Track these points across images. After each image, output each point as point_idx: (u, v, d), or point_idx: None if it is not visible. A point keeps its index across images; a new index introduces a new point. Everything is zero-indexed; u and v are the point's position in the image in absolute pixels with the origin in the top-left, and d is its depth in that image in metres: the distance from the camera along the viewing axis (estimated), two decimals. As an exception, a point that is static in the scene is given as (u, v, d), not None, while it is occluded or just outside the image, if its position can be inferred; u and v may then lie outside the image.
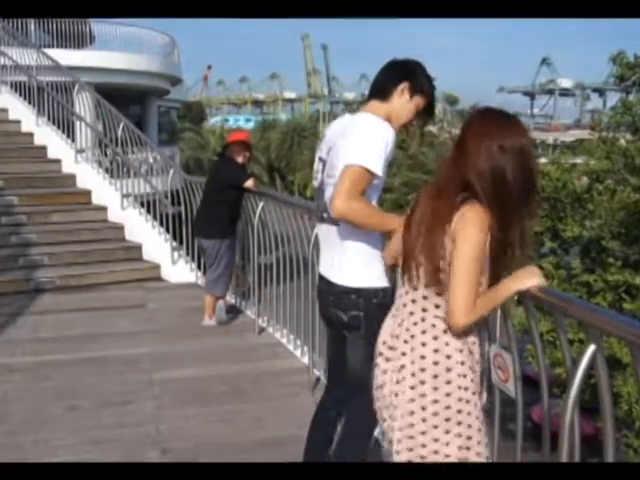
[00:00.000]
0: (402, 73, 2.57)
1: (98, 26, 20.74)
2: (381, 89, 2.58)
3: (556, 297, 2.08)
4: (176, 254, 7.72)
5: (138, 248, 8.02)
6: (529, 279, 1.99)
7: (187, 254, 7.64)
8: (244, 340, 5.47)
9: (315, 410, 2.87)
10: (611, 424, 1.91)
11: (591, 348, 1.86)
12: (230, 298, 6.42)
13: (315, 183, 2.66)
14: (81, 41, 19.53)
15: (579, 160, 17.33)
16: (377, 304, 2.42)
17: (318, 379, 4.36)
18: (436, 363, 1.99)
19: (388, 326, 2.14)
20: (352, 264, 2.50)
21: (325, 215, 2.56)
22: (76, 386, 4.44)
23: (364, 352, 2.41)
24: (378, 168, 2.36)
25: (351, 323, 2.51)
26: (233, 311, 6.14)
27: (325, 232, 2.61)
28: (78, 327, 5.81)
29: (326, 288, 2.59)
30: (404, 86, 2.55)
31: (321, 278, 2.65)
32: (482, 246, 1.92)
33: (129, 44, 20.71)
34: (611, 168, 14.02)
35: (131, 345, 5.32)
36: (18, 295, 6.76)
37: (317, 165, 2.65)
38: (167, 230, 7.82)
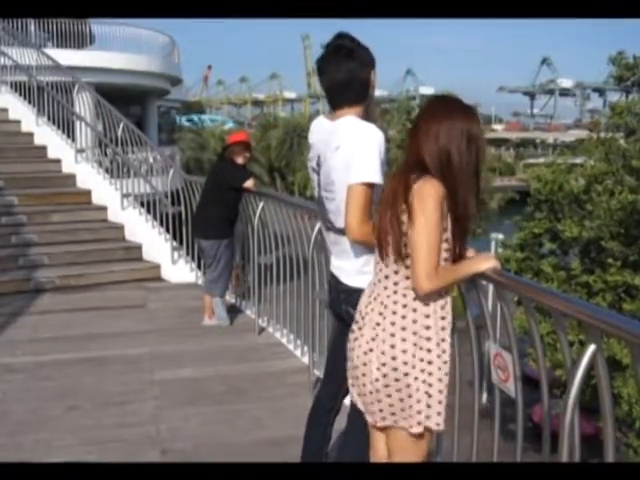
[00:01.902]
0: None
1: (98, 26, 20.76)
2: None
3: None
4: (176, 254, 7.72)
5: (138, 248, 8.01)
6: (485, 263, 2.20)
7: (187, 254, 7.64)
8: (244, 340, 5.47)
9: (311, 407, 2.89)
10: (611, 424, 1.91)
11: (591, 348, 1.86)
12: (230, 298, 6.42)
13: (315, 193, 2.72)
14: (81, 41, 19.55)
15: (579, 160, 17.31)
16: None
17: (318, 379, 4.35)
18: (404, 328, 2.15)
19: (365, 298, 2.29)
20: (361, 267, 2.56)
21: (329, 225, 2.66)
22: (76, 386, 4.44)
23: None
24: (379, 178, 2.45)
25: None
26: (233, 311, 6.14)
27: (333, 239, 2.69)
28: (78, 327, 5.81)
29: (337, 285, 2.67)
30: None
31: (332, 276, 2.72)
32: (437, 213, 2.07)
33: (129, 44, 20.73)
34: (610, 169, 14.03)
35: (131, 345, 5.32)
36: (18, 295, 6.76)
37: (312, 175, 2.71)
38: (167, 230, 7.81)
